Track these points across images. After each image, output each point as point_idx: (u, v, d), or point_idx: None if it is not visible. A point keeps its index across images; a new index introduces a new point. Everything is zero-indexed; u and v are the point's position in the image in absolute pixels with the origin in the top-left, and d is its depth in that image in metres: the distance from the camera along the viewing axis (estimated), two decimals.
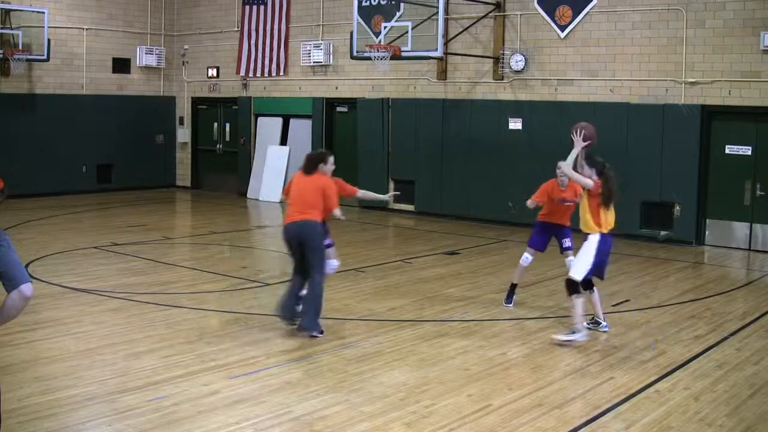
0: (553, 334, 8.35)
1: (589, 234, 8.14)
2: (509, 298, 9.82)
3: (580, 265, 8.15)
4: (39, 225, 15.49)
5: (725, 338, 8.54)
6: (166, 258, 12.51)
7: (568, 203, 9.40)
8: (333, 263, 9.26)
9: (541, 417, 6.20)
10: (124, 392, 6.50)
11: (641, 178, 14.71)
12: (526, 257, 9.71)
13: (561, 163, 8.36)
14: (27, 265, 10.98)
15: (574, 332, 8.18)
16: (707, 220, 14.60)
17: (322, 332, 8.27)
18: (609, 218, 8.16)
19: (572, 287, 8.21)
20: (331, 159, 8.61)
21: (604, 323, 8.66)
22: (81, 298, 9.74)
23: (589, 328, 8.57)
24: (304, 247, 8.33)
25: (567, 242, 9.58)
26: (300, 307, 8.48)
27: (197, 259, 12.84)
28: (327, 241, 8.90)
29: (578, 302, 8.20)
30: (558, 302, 9.92)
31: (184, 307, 9.35)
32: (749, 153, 14.04)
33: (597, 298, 8.62)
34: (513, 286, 9.86)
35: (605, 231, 8.12)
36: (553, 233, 9.64)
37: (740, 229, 14.31)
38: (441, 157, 17.18)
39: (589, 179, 8.04)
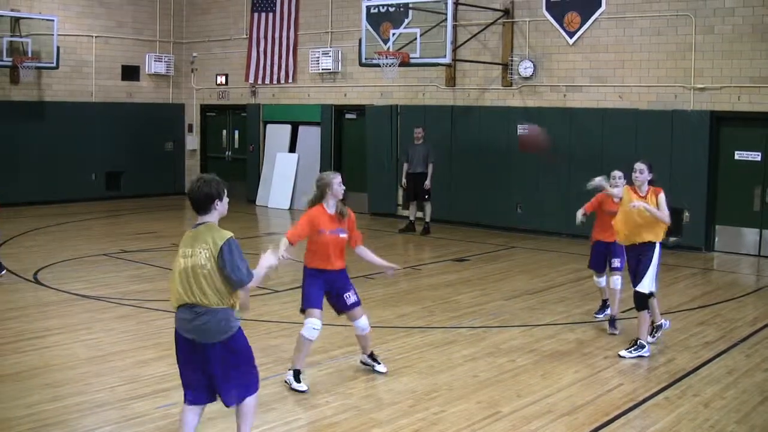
0: (620, 350, 8.05)
1: (654, 243, 7.92)
2: (600, 311, 9.54)
3: (650, 278, 7.92)
4: (49, 232, 15.54)
5: (735, 345, 8.51)
6: None
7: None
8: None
9: (550, 424, 6.18)
10: (133, 399, 6.52)
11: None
12: (596, 279, 9.43)
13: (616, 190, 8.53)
14: (36, 273, 11.11)
15: (640, 347, 7.98)
16: (716, 227, 14.55)
17: None
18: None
19: (641, 302, 7.96)
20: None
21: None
22: (90, 306, 9.76)
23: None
24: None
25: (616, 262, 8.97)
26: None
27: None
28: None
29: (646, 317, 8.01)
30: (567, 308, 9.92)
31: None
32: (759, 159, 13.97)
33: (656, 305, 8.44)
34: (603, 302, 9.54)
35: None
36: (606, 251, 9.07)
37: (750, 235, 14.25)
38: (450, 164, 17.16)
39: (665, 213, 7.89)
